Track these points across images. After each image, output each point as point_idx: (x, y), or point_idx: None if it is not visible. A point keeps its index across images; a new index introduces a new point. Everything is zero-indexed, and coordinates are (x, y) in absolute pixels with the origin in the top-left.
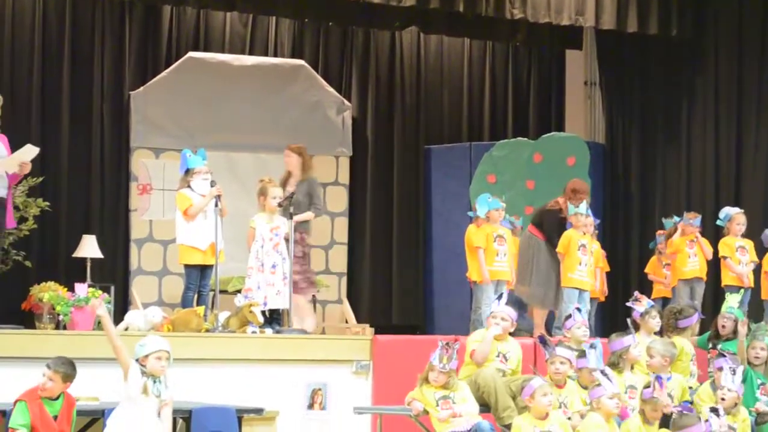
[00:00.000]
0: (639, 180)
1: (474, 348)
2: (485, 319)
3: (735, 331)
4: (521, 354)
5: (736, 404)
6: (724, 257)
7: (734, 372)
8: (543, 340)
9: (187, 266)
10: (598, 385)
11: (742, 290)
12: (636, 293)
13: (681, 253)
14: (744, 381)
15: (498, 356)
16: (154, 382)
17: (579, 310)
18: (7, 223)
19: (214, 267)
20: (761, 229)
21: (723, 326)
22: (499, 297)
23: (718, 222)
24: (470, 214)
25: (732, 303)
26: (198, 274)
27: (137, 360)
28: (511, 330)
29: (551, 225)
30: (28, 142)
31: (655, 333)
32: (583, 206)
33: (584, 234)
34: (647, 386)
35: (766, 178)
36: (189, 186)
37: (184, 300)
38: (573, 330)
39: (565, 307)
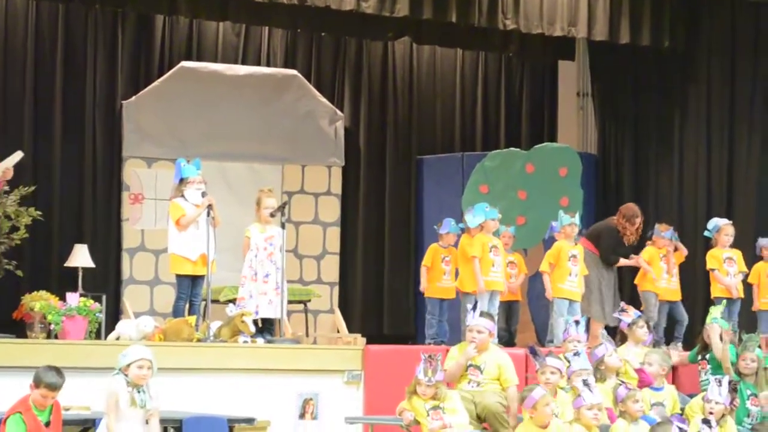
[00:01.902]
0: (631, 191)
1: (445, 367)
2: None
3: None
4: (508, 363)
5: (724, 415)
6: (712, 269)
7: (720, 383)
8: (533, 351)
9: (178, 276)
10: (580, 396)
11: (724, 301)
12: (623, 304)
13: (654, 267)
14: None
15: (470, 370)
16: (139, 392)
17: (577, 323)
18: None
19: (205, 277)
20: (753, 240)
21: (708, 337)
22: (474, 307)
23: (706, 233)
24: (460, 225)
25: (715, 314)
26: (189, 284)
27: (120, 370)
28: (489, 340)
29: (608, 242)
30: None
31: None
32: (576, 217)
33: (575, 245)
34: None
35: (757, 189)
36: (183, 195)
37: (176, 309)
38: (566, 344)
39: (555, 318)
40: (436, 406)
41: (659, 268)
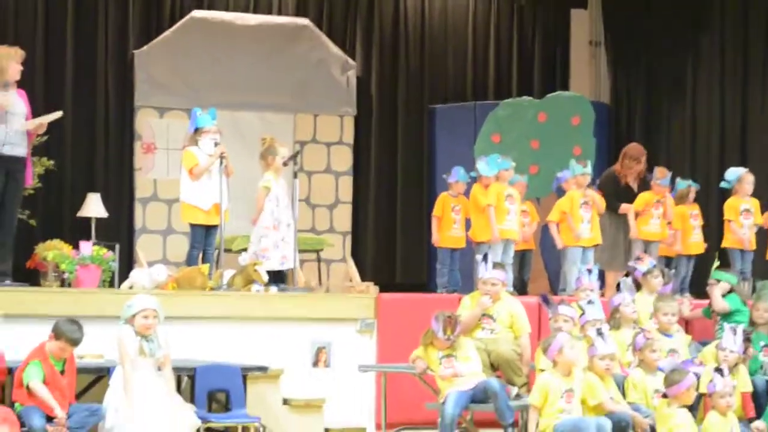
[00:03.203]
0: (644, 140)
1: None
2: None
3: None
4: (521, 311)
5: (737, 364)
6: (729, 220)
7: (735, 332)
8: (546, 299)
9: (191, 225)
10: (593, 345)
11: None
12: (638, 252)
13: (646, 211)
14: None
15: (483, 319)
16: (147, 340)
17: (590, 271)
18: (26, 181)
19: (219, 226)
20: (766, 190)
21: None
22: (485, 259)
23: (724, 184)
24: (472, 174)
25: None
26: (203, 233)
27: (126, 320)
28: (502, 291)
29: (609, 190)
30: (33, 101)
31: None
32: (588, 167)
33: (584, 193)
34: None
35: None
36: (197, 144)
37: (189, 258)
38: (579, 293)
39: (568, 267)
40: (449, 354)
41: (649, 213)
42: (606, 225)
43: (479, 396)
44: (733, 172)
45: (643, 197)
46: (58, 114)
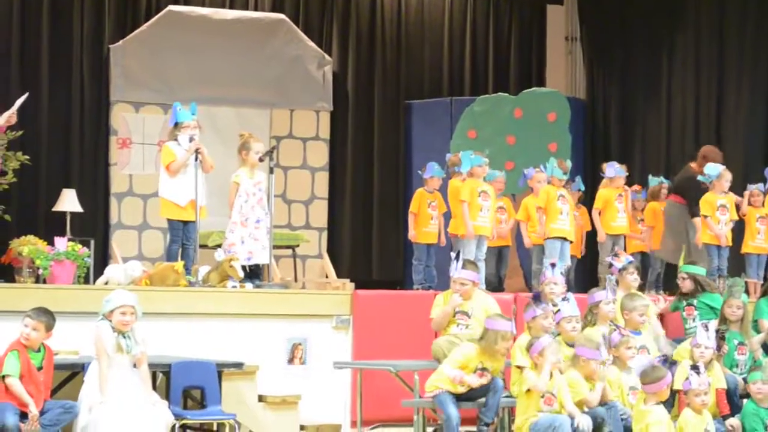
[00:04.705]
0: (619, 136)
1: (432, 316)
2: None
3: (700, 287)
4: (495, 307)
5: (711, 360)
6: (705, 216)
7: (707, 328)
8: (537, 297)
9: (169, 220)
10: (558, 311)
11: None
12: (616, 248)
13: (610, 207)
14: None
15: (458, 315)
16: (124, 337)
17: (553, 266)
18: None
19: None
20: (741, 185)
21: (682, 281)
22: (457, 257)
23: (703, 178)
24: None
25: (683, 261)
26: (181, 227)
27: (104, 316)
28: (474, 288)
29: (693, 195)
30: (7, 95)
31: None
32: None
33: (559, 186)
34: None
35: (746, 135)
36: (176, 140)
37: (169, 253)
38: (543, 287)
39: (545, 261)
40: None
41: (614, 208)
42: (681, 228)
43: (477, 391)
44: (713, 168)
45: (602, 195)
46: (23, 97)
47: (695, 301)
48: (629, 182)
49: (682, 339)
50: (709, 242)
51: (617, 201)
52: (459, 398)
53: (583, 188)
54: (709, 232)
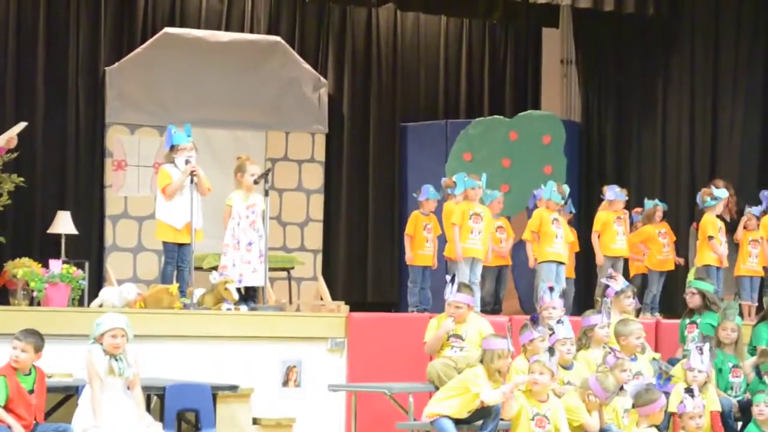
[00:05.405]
0: (614, 159)
1: (426, 340)
2: None
3: (706, 305)
4: (489, 330)
5: (705, 382)
6: (711, 237)
7: (701, 351)
8: (535, 320)
9: (164, 242)
10: (552, 333)
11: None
12: (611, 271)
13: (609, 230)
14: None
15: (451, 339)
16: (116, 360)
17: (551, 289)
18: None
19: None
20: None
21: (691, 296)
22: (452, 280)
23: (710, 202)
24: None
25: (692, 277)
26: (176, 249)
27: (95, 339)
28: (468, 312)
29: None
30: (3, 117)
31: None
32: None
33: (553, 210)
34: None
35: (741, 158)
36: (173, 162)
37: (164, 275)
38: (542, 311)
39: (537, 283)
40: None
41: (613, 231)
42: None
43: (475, 415)
44: (722, 191)
45: (600, 217)
46: (22, 125)
47: (699, 320)
48: (626, 205)
49: (677, 359)
50: (710, 264)
51: (616, 224)
52: (457, 423)
53: (574, 211)
54: (713, 254)
